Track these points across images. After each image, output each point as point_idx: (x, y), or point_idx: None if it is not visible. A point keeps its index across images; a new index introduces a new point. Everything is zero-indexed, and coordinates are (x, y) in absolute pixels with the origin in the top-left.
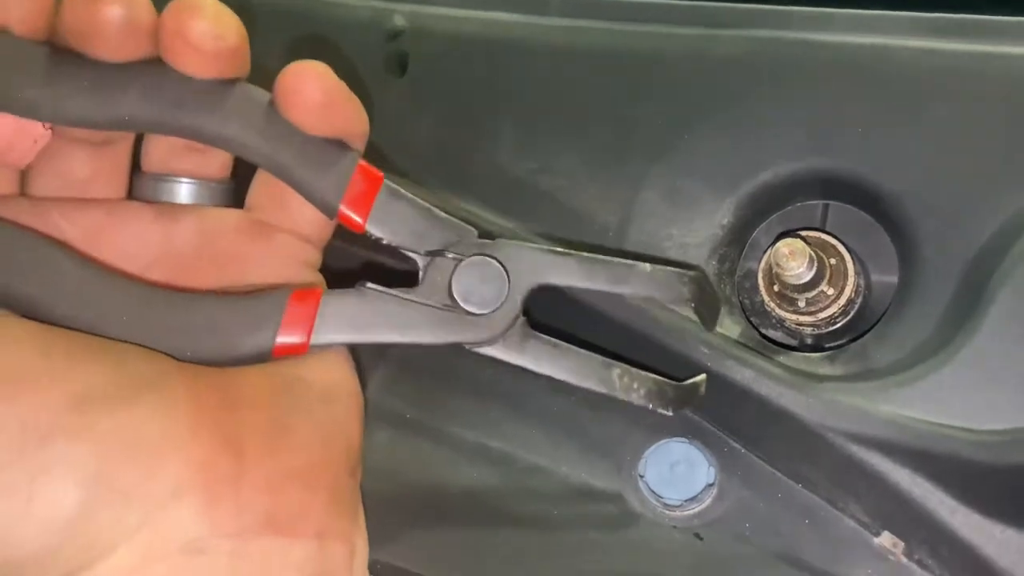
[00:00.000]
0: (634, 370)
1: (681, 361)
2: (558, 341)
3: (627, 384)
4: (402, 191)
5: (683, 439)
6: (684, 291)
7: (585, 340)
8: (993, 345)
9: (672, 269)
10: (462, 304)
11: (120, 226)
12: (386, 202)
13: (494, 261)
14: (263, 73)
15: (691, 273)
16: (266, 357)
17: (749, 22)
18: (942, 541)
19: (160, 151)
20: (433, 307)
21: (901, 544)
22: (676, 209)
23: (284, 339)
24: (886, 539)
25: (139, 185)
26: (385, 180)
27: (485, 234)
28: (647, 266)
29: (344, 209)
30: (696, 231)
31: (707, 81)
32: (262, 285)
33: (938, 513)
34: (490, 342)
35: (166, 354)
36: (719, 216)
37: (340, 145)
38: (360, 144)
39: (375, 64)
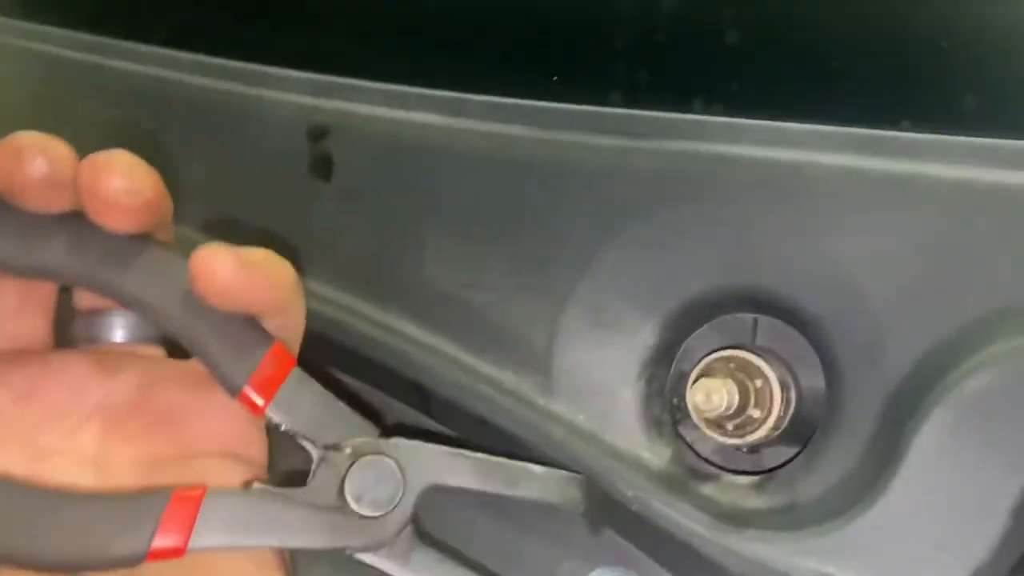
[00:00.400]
0: None
1: (608, 502)
2: (443, 555)
3: None
4: (311, 380)
5: (616, 569)
6: (575, 495)
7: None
8: (907, 499)
9: (563, 473)
10: (353, 506)
11: (56, 378)
12: (293, 389)
13: (390, 461)
14: (184, 172)
15: (580, 477)
16: (140, 561)
17: (666, 132)
18: None
19: None
20: (322, 508)
21: None
22: (601, 329)
23: (160, 542)
24: None
25: (74, 325)
26: (295, 368)
27: (387, 431)
28: (540, 469)
29: (248, 391)
30: (622, 351)
31: (627, 194)
32: (202, 451)
33: None
34: (376, 548)
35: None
36: (644, 336)
37: (256, 324)
38: (273, 318)
39: (300, 168)
